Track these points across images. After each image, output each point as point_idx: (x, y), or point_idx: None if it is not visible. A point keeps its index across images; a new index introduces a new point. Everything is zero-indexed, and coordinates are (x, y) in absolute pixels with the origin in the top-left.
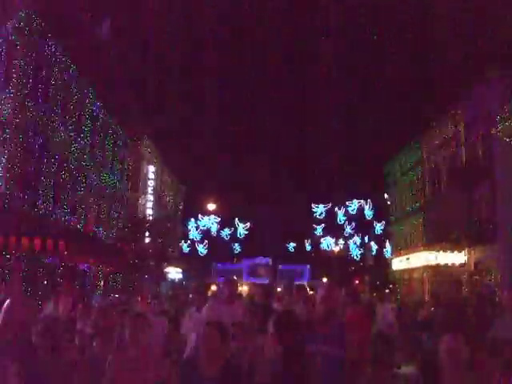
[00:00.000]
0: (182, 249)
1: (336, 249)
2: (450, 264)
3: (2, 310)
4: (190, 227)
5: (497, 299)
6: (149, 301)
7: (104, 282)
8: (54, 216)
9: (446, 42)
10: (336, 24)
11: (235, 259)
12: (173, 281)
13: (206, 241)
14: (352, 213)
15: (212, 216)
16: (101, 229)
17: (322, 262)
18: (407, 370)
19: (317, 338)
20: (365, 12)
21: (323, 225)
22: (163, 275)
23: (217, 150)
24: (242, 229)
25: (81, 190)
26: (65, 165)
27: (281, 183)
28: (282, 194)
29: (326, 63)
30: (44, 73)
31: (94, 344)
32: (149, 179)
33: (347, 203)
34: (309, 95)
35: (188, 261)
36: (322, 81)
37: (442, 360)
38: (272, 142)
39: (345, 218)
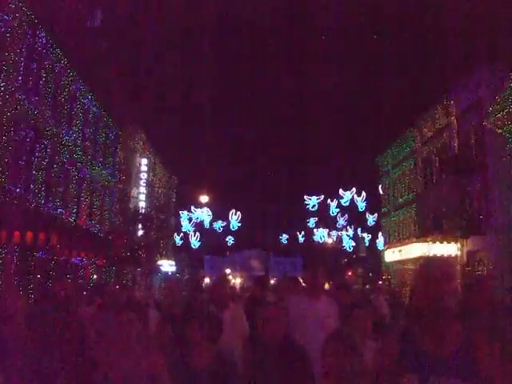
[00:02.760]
0: (174, 241)
1: (329, 240)
2: (442, 255)
3: None
4: (182, 219)
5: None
6: (141, 293)
7: (97, 276)
8: (45, 209)
9: (439, 35)
10: (335, 20)
11: (228, 252)
12: (166, 273)
13: (199, 233)
14: (345, 204)
15: (205, 208)
16: (93, 222)
17: (315, 253)
18: None
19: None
20: (364, 10)
21: (316, 217)
22: (156, 268)
23: (210, 142)
24: (234, 221)
25: (73, 183)
26: (56, 158)
27: (274, 176)
28: (275, 186)
29: (322, 56)
30: (35, 65)
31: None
32: (141, 172)
33: (340, 195)
34: (303, 88)
35: (181, 253)
36: (316, 74)
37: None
38: (265, 134)
39: (337, 210)
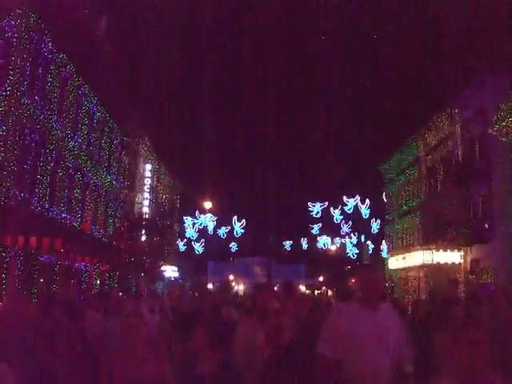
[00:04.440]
0: (178, 247)
1: (332, 248)
2: (446, 263)
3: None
4: (186, 225)
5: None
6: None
7: (100, 281)
8: (50, 214)
9: (443, 42)
10: (335, 23)
11: (232, 258)
12: (169, 279)
13: (203, 239)
14: (348, 212)
15: (209, 214)
16: (97, 227)
17: (319, 260)
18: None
19: None
20: (363, 12)
21: (320, 224)
22: (160, 274)
23: (214, 148)
24: (238, 227)
25: (77, 188)
26: (61, 163)
27: (277, 182)
28: (279, 192)
29: (324, 62)
30: (41, 70)
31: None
32: (145, 177)
33: (344, 202)
34: (306, 94)
35: (184, 259)
36: (319, 79)
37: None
38: (269, 140)
39: (341, 217)
